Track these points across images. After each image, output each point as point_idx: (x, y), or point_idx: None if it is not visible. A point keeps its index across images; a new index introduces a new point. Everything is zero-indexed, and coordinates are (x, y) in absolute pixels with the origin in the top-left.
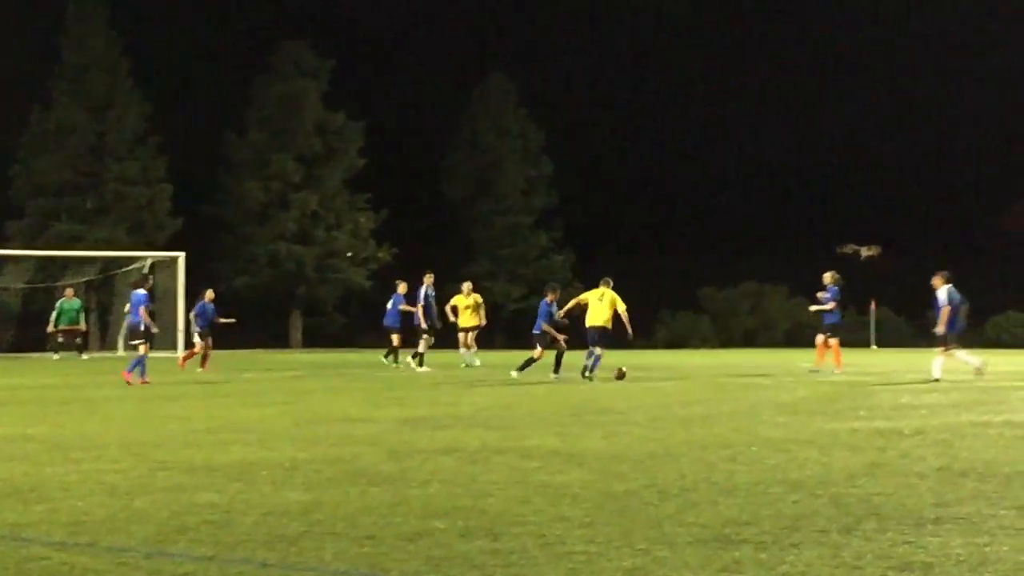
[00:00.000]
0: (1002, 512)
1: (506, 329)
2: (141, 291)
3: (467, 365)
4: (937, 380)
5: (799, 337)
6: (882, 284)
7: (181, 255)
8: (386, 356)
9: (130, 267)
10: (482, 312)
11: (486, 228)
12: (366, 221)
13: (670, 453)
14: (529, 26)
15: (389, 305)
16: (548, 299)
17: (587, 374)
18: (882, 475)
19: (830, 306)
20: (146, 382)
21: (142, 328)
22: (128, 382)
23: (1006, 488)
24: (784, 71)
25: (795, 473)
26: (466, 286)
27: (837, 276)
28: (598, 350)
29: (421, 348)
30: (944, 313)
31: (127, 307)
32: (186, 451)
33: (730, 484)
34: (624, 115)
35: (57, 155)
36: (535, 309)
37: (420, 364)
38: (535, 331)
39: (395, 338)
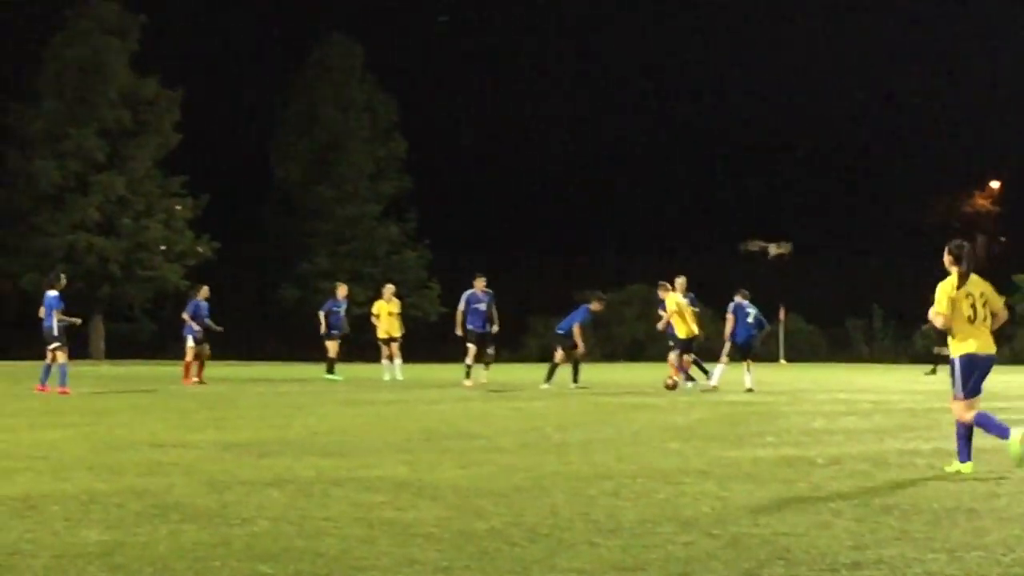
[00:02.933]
0: (929, 556)
1: (350, 338)
2: (53, 292)
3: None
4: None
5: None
6: (792, 289)
7: None
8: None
9: None
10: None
11: (325, 219)
12: (182, 209)
13: (541, 486)
14: None
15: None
16: (594, 308)
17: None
18: (790, 512)
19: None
20: (66, 391)
21: (55, 333)
22: (45, 392)
23: (934, 527)
24: (680, 48)
25: (688, 509)
26: (388, 290)
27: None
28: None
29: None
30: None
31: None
32: None
33: (612, 522)
34: (489, 86)
35: None
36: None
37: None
38: (561, 332)
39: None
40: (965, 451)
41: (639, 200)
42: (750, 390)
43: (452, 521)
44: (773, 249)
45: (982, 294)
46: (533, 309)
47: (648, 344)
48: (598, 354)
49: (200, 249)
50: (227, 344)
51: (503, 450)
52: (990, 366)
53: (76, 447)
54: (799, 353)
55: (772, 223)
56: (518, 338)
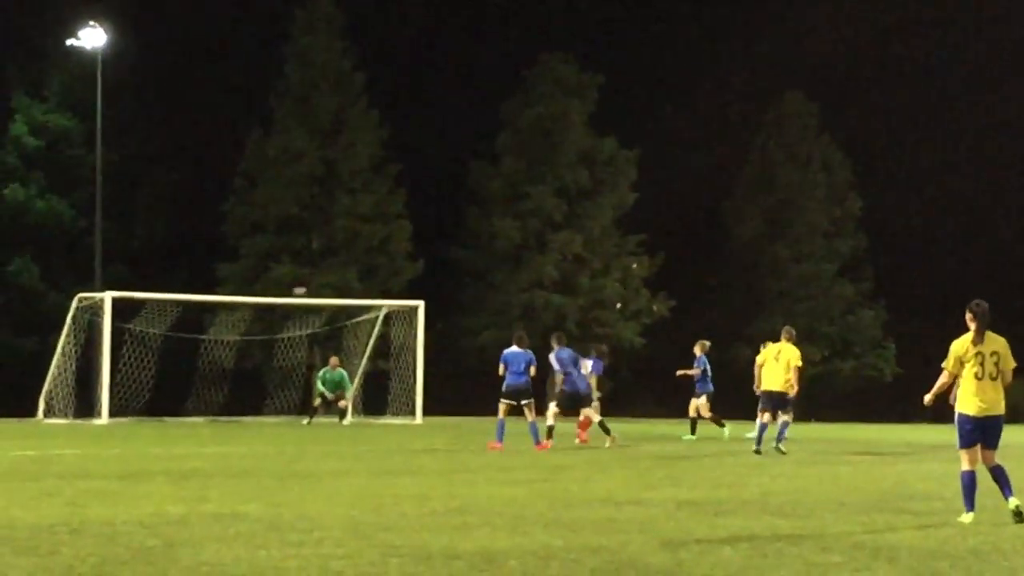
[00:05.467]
0: None
1: (804, 397)
2: (513, 348)
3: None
4: None
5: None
6: None
7: (420, 304)
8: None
9: (361, 318)
10: None
11: (780, 277)
12: (639, 267)
13: (999, 549)
14: (833, 35)
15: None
16: None
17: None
18: None
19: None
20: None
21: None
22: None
23: None
24: None
25: None
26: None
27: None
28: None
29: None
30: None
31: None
32: (422, 535)
33: None
34: (950, 138)
35: (278, 186)
36: (839, 374)
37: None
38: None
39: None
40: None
41: None
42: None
43: None
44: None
45: (993, 352)
46: None
47: None
48: None
49: (655, 307)
50: (684, 403)
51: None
52: (991, 425)
53: (533, 503)
54: None
55: None
56: None
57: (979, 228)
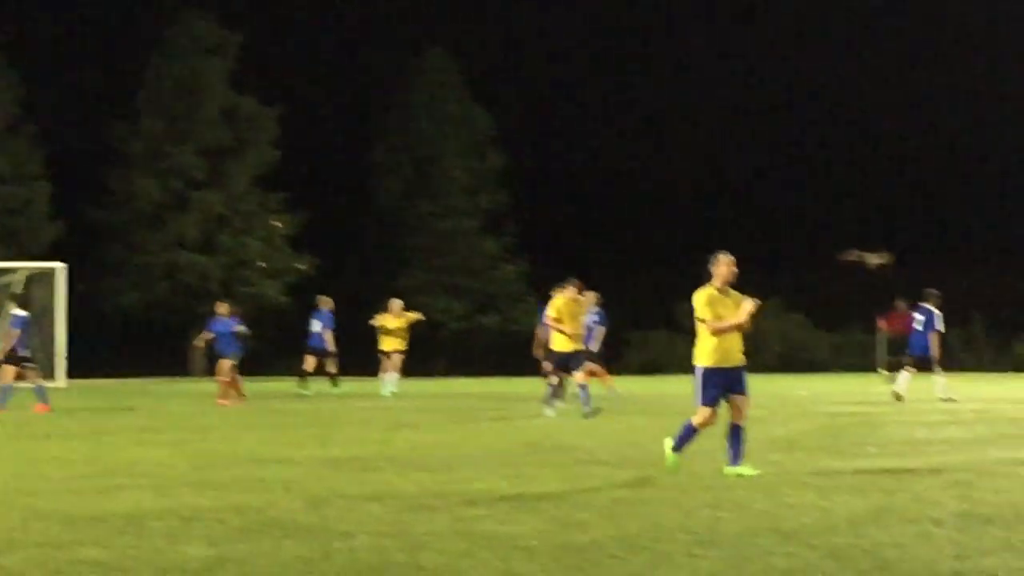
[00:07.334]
0: None
1: (448, 352)
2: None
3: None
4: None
5: (796, 360)
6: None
7: (61, 266)
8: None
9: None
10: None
11: (423, 233)
12: (281, 226)
13: (640, 498)
14: None
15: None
16: None
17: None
18: (892, 522)
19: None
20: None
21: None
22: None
23: None
24: (777, 60)
25: (789, 521)
26: (395, 304)
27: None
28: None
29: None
30: None
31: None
32: (65, 498)
33: (711, 534)
34: (590, 97)
35: None
36: (483, 329)
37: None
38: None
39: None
40: None
41: (736, 212)
42: None
43: (552, 534)
44: (873, 260)
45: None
46: (631, 321)
47: (748, 356)
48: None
49: (299, 266)
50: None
51: (604, 463)
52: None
53: (178, 463)
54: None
55: (871, 233)
56: (618, 350)
57: (623, 186)
